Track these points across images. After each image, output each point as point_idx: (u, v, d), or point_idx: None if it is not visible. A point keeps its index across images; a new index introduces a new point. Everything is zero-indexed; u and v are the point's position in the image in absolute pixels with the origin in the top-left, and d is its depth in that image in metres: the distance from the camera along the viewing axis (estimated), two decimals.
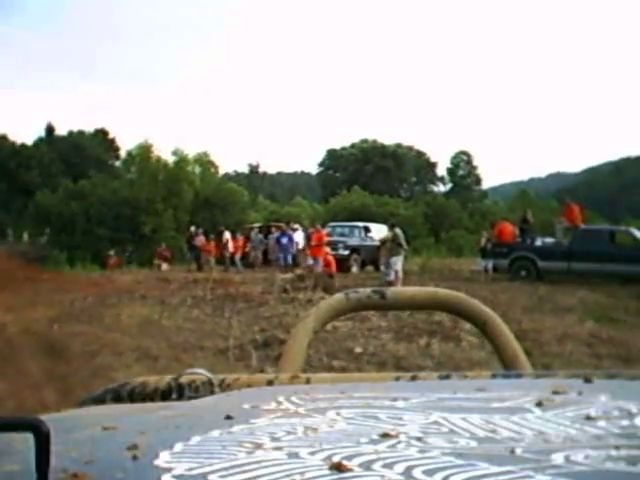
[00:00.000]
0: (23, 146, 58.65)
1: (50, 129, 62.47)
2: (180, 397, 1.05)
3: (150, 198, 30.29)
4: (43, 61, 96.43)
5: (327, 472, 0.57)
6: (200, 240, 26.81)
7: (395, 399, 0.84)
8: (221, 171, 49.99)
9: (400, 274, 17.93)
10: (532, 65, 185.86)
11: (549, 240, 21.13)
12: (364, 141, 68.88)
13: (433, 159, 70.95)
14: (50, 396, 7.60)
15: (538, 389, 0.89)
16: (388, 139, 71.42)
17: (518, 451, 0.62)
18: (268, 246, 27.20)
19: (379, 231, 23.43)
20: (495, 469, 0.57)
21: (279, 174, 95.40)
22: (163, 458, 0.61)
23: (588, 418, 0.74)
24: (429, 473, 0.57)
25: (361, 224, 25.50)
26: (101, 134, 63.73)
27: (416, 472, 0.57)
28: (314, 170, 73.96)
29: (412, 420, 0.74)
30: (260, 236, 27.25)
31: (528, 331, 10.80)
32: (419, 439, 0.66)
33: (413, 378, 1.04)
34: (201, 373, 1.09)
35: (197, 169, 35.88)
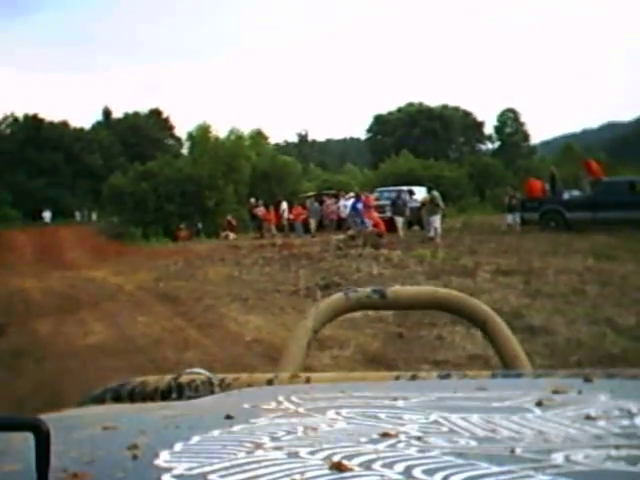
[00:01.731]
0: (82, 130, 62.37)
1: (107, 112, 66.03)
2: (180, 397, 1.08)
3: (212, 175, 33.26)
4: (92, 44, 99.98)
5: (327, 472, 0.57)
6: (260, 210, 29.92)
7: (395, 398, 0.85)
8: (271, 142, 53.16)
9: (439, 231, 20.69)
10: (576, 13, 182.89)
11: (576, 193, 23.67)
12: (410, 105, 70.59)
13: (480, 118, 72.30)
14: (182, 323, 10.72)
15: (538, 389, 0.89)
16: (434, 101, 73.33)
17: (518, 451, 0.62)
18: (323, 212, 30.25)
19: (422, 194, 26.16)
20: (495, 469, 0.57)
21: (328, 141, 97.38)
22: (163, 458, 0.61)
23: (588, 418, 0.74)
24: (429, 473, 0.57)
25: (405, 188, 28.01)
26: (155, 114, 67.13)
27: (416, 472, 0.57)
28: (363, 135, 76.24)
29: (412, 420, 0.74)
30: (315, 204, 30.23)
31: (536, 268, 13.60)
32: (419, 439, 0.66)
33: (413, 377, 1.06)
34: (201, 373, 1.13)
35: (248, 142, 39.06)
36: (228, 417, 0.76)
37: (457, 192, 39.00)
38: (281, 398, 0.87)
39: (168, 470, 0.58)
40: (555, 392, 0.87)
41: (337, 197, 29.85)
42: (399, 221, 23.21)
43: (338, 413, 0.79)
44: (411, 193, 25.88)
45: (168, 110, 68.40)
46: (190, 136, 39.48)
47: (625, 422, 0.73)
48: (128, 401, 1.09)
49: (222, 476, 0.57)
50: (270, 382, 1.08)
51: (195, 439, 0.67)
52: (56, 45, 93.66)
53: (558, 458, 0.60)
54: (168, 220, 31.30)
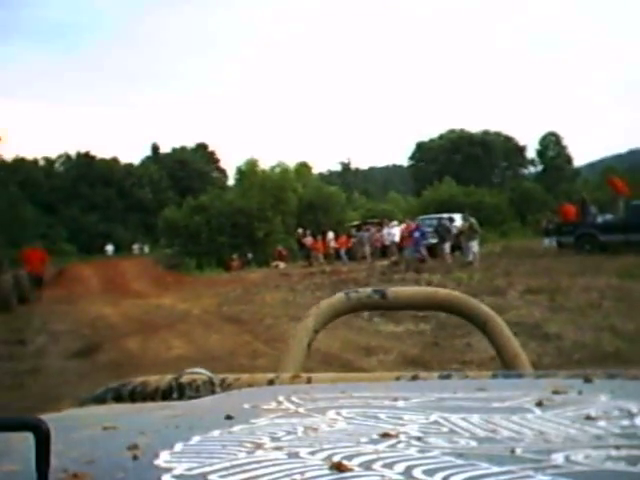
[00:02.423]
0: (132, 166, 65.15)
1: (155, 147, 68.80)
2: (181, 397, 1.09)
3: (261, 207, 35.15)
4: (137, 80, 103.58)
5: (327, 472, 0.57)
6: (308, 240, 31.82)
7: (395, 399, 0.86)
8: (315, 171, 55.17)
9: (477, 255, 22.32)
10: (616, 33, 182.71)
11: (609, 216, 25.05)
12: (452, 131, 72.14)
13: (522, 143, 73.34)
14: (249, 338, 12.53)
15: (538, 389, 0.89)
16: (475, 127, 74.76)
17: (518, 451, 0.62)
18: (360, 241, 32.02)
19: (460, 220, 27.87)
20: (495, 469, 0.57)
21: (371, 169, 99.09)
22: (163, 458, 0.62)
23: (588, 418, 0.74)
24: (429, 473, 0.57)
25: (446, 215, 29.70)
26: (201, 148, 69.73)
27: (416, 472, 0.57)
28: (405, 162, 77.80)
29: (412, 420, 0.75)
30: (365, 232, 32.02)
31: (562, 287, 15.13)
32: (419, 439, 0.67)
33: (413, 378, 1.06)
34: (202, 373, 1.14)
35: (293, 174, 41.10)
36: (228, 417, 0.77)
37: (498, 217, 40.42)
38: (281, 398, 0.88)
39: (168, 470, 0.59)
40: (555, 392, 0.87)
41: (381, 225, 31.59)
42: (442, 247, 24.86)
43: (338, 413, 0.80)
44: (451, 220, 27.55)
45: (214, 144, 70.80)
46: (239, 170, 41.77)
47: (625, 422, 0.73)
48: (129, 401, 1.11)
49: (222, 476, 0.57)
50: (271, 382, 1.10)
51: (195, 439, 0.68)
52: (103, 82, 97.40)
53: (558, 458, 0.61)
54: (220, 251, 33.19)
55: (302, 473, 0.58)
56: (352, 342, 10.90)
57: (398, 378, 1.07)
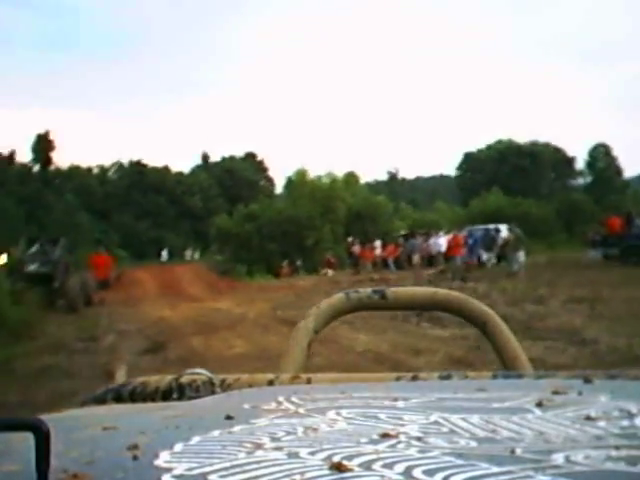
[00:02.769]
0: (182, 174, 66.76)
1: (205, 157, 70.38)
2: (181, 397, 1.10)
3: (310, 216, 36.42)
4: (187, 90, 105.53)
5: (327, 472, 0.58)
6: (357, 248, 32.76)
7: (395, 399, 0.86)
8: (362, 181, 56.10)
9: (522, 265, 22.98)
10: None
11: None
12: (499, 142, 72.53)
13: (571, 154, 73.08)
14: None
15: (538, 389, 0.90)
16: (523, 138, 74.77)
17: (518, 451, 0.63)
18: (411, 250, 32.82)
19: (505, 231, 28.52)
20: (495, 469, 0.58)
21: (418, 179, 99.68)
22: (163, 458, 0.62)
23: (588, 418, 0.75)
24: (429, 473, 0.57)
25: (492, 226, 30.33)
26: (250, 157, 71.14)
27: (416, 472, 0.58)
28: (452, 172, 78.22)
29: (412, 420, 0.75)
30: (415, 241, 32.85)
31: (604, 297, 15.76)
32: (419, 439, 0.67)
33: (413, 378, 1.07)
34: (202, 373, 1.15)
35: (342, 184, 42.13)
36: (228, 417, 0.77)
37: (545, 229, 40.74)
38: (281, 399, 0.88)
39: (168, 470, 0.59)
40: (555, 393, 0.87)
41: (428, 235, 32.35)
42: (487, 257, 25.53)
43: (338, 414, 0.80)
44: (497, 231, 28.17)
45: (262, 153, 72.14)
46: (289, 180, 42.97)
47: (625, 423, 0.74)
48: (129, 401, 1.12)
49: (222, 476, 0.58)
50: (271, 383, 1.10)
51: (195, 439, 0.69)
52: (154, 91, 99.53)
53: (558, 459, 0.61)
54: (270, 258, 34.16)
55: (302, 473, 0.58)
56: (402, 344, 11.75)
57: (398, 378, 1.08)
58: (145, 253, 54.41)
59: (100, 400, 1.17)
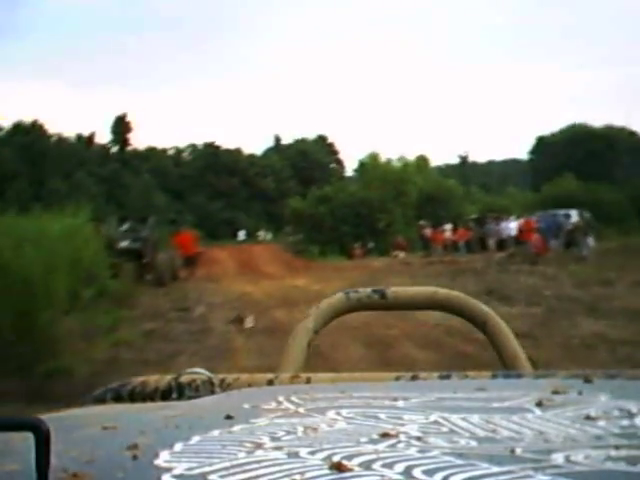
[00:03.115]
0: (254, 156, 68.23)
1: (277, 139, 71.62)
2: (180, 396, 1.11)
3: (382, 199, 37.41)
4: (258, 73, 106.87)
5: (327, 472, 0.58)
6: (428, 231, 33.60)
7: (395, 399, 0.87)
8: (433, 164, 56.56)
9: (591, 250, 23.49)
10: None
11: None
12: (573, 126, 71.73)
13: None
14: (383, 315, 14.55)
15: (538, 389, 0.90)
16: (598, 122, 73.70)
17: (518, 451, 0.63)
18: (485, 233, 33.45)
19: (576, 217, 28.91)
20: (495, 469, 0.58)
21: (489, 163, 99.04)
22: (163, 458, 0.62)
23: (588, 418, 0.75)
24: (429, 473, 0.58)
25: (562, 212, 30.76)
26: (321, 140, 72.20)
27: (416, 472, 0.58)
28: (525, 157, 77.74)
29: (412, 420, 0.76)
30: (492, 225, 33.53)
31: None
32: (419, 439, 0.68)
33: (413, 378, 1.07)
34: (201, 373, 1.15)
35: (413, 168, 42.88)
36: (228, 417, 0.78)
37: (618, 215, 40.70)
38: (281, 398, 0.89)
39: (168, 470, 0.59)
40: (555, 392, 0.88)
41: (499, 219, 32.93)
42: (553, 242, 26.07)
43: (338, 413, 0.80)
44: (567, 216, 28.62)
45: (333, 136, 73.13)
46: (361, 163, 44.02)
47: (625, 422, 0.74)
48: (128, 401, 1.12)
49: (222, 476, 0.58)
50: (270, 382, 1.11)
51: (195, 439, 0.69)
52: (226, 75, 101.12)
53: (558, 458, 0.61)
54: (343, 239, 35.12)
55: (302, 473, 0.58)
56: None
57: (398, 378, 1.08)
58: (218, 234, 56.05)
59: (99, 399, 1.18)
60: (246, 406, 0.87)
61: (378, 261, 28.86)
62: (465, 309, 1.58)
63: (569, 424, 0.75)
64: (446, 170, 68.85)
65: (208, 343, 11.76)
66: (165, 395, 1.14)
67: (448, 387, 0.97)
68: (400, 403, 0.86)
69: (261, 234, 53.37)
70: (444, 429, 0.74)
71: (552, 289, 15.92)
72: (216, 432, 0.73)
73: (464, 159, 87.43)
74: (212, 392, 1.11)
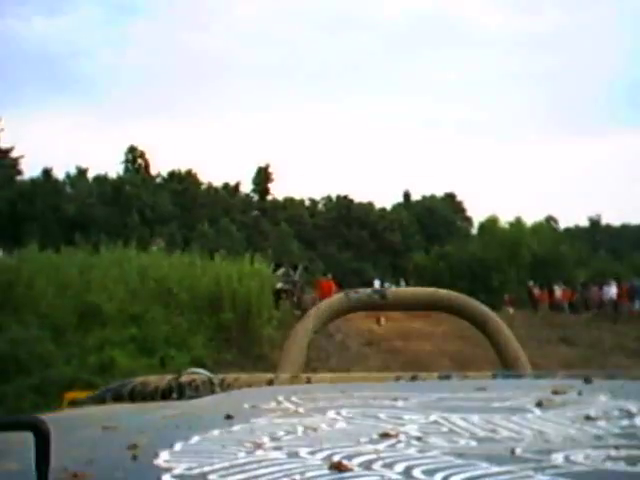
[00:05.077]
0: (385, 210, 73.41)
1: (407, 195, 76.47)
2: (180, 396, 1.25)
3: (498, 259, 42.43)
4: (392, 130, 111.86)
5: (327, 471, 0.60)
6: (536, 291, 38.65)
7: (395, 399, 0.92)
8: (562, 225, 59.47)
9: None
10: None
11: None
12: None
13: None
14: (478, 350, 20.11)
15: (538, 389, 0.97)
16: None
17: (518, 451, 0.65)
18: (587, 296, 38.10)
19: None
20: (495, 469, 0.60)
21: (624, 226, 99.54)
22: (163, 457, 0.63)
23: (588, 418, 0.81)
24: (429, 473, 0.59)
25: None
26: (449, 198, 76.78)
27: (416, 472, 0.60)
28: None
29: (412, 420, 0.80)
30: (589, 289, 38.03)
31: None
32: (419, 439, 0.70)
33: (413, 378, 1.28)
34: (201, 373, 1.38)
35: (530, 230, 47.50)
36: (228, 417, 0.82)
37: None
38: (281, 398, 0.94)
39: (168, 470, 0.61)
40: (555, 393, 0.95)
41: (602, 284, 37.52)
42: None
43: (338, 413, 0.86)
44: None
45: (461, 194, 77.34)
46: (481, 225, 49.26)
47: (625, 422, 0.79)
48: (129, 401, 1.22)
49: (222, 476, 0.59)
50: (270, 382, 1.28)
51: (195, 439, 0.71)
52: (361, 130, 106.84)
53: (558, 458, 0.64)
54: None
55: (302, 473, 0.60)
56: None
57: (398, 378, 1.25)
58: (346, 281, 61.30)
59: (99, 399, 1.31)
60: (246, 406, 0.97)
61: None
62: (465, 309, 1.70)
63: (569, 424, 0.84)
64: (575, 231, 67.88)
65: (346, 355, 17.91)
66: (165, 395, 1.26)
67: (448, 387, 1.09)
68: (400, 403, 0.97)
69: (386, 285, 58.81)
70: (444, 429, 0.82)
71: (613, 340, 21.28)
72: (216, 432, 0.79)
73: (595, 221, 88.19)
74: (212, 392, 1.22)
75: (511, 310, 37.47)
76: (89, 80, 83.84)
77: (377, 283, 59.11)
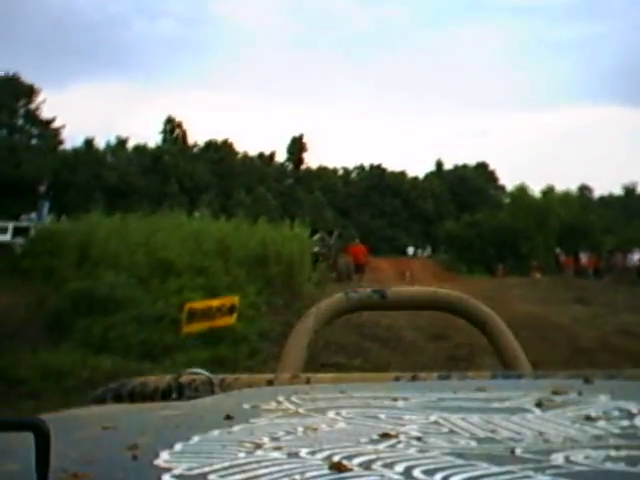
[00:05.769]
0: (417, 179, 74.71)
1: (439, 164, 77.44)
2: (180, 397, 1.14)
3: (525, 226, 41.25)
4: (424, 98, 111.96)
5: (327, 472, 0.60)
6: (562, 258, 40.30)
7: (395, 399, 0.89)
8: (596, 194, 60.17)
9: None
10: None
11: None
12: None
13: None
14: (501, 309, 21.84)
15: (538, 389, 0.93)
16: None
17: (518, 451, 0.65)
18: (611, 263, 39.53)
19: None
20: (495, 469, 0.60)
21: None
22: (163, 458, 0.64)
23: (588, 418, 0.77)
24: (429, 473, 0.60)
25: None
26: (482, 167, 77.70)
27: (416, 472, 0.60)
28: None
29: (412, 420, 0.78)
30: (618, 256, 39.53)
31: None
32: (419, 439, 0.70)
33: (413, 378, 1.11)
34: (201, 373, 1.18)
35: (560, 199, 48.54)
36: (228, 417, 0.80)
37: None
38: (281, 398, 0.91)
39: (168, 470, 0.61)
40: (555, 393, 0.90)
41: (627, 251, 38.95)
42: None
43: (338, 413, 0.82)
44: None
45: (494, 163, 78.06)
46: (511, 194, 50.60)
47: (625, 423, 0.76)
48: (128, 401, 1.15)
49: (222, 476, 0.60)
50: (270, 382, 1.14)
51: (195, 439, 0.71)
52: (395, 99, 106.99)
53: (558, 458, 0.63)
54: (488, 260, 39.41)
55: (302, 473, 0.60)
56: None
57: (398, 378, 1.11)
58: (379, 248, 62.93)
59: (99, 400, 1.21)
60: (246, 406, 0.89)
61: (518, 279, 35.53)
62: (465, 309, 1.60)
63: (569, 424, 0.76)
64: (609, 200, 67.92)
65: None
66: (165, 395, 1.17)
67: (448, 387, 0.99)
68: (400, 403, 0.88)
69: (419, 252, 60.57)
70: (444, 429, 0.76)
71: (627, 301, 23.07)
72: (216, 432, 0.74)
73: (630, 190, 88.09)
74: (212, 392, 1.13)
75: (538, 275, 39.24)
76: (127, 51, 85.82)
77: (411, 250, 61.04)
